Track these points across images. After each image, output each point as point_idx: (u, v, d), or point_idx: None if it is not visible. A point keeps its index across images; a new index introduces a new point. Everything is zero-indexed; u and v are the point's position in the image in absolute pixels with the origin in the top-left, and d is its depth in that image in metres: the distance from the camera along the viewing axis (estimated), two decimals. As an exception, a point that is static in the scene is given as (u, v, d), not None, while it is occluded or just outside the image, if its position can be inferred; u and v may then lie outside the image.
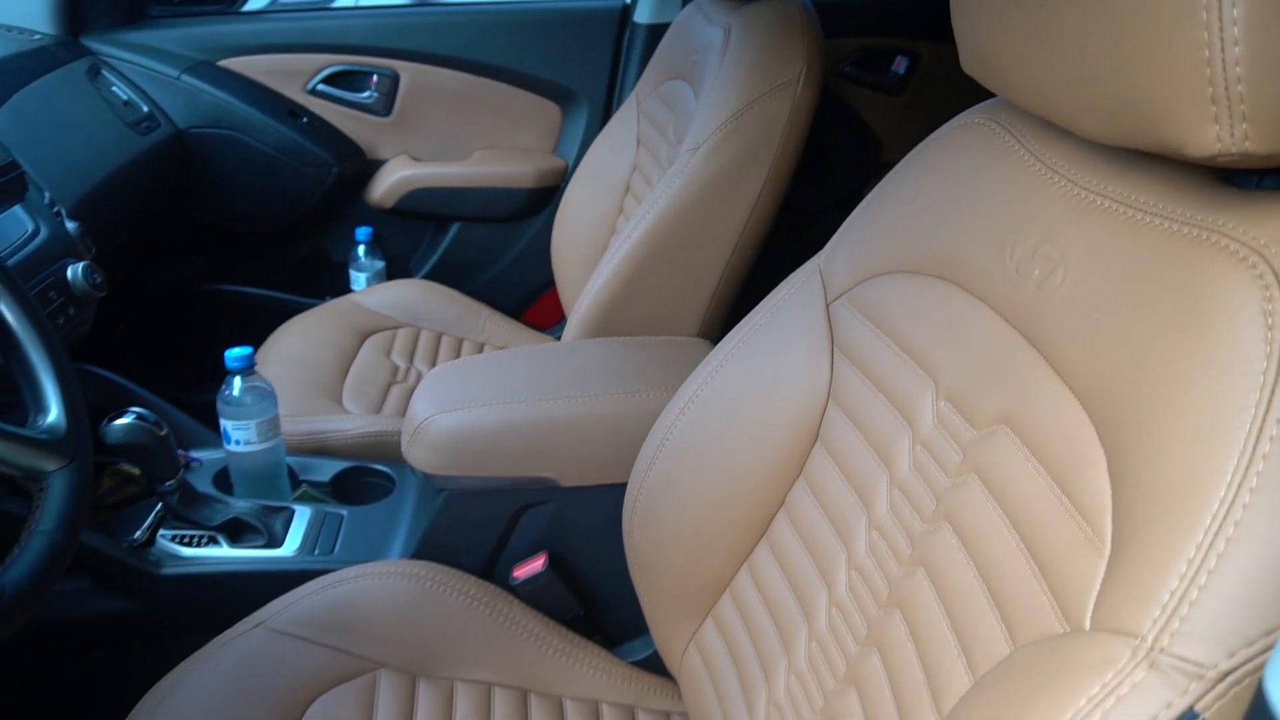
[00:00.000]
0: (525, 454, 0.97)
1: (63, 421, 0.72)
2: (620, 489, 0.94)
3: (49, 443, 0.70)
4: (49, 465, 0.69)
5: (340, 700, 0.86)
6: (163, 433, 0.96)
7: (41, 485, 0.69)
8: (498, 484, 0.98)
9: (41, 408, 0.73)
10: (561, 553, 1.01)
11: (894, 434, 0.68)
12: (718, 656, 0.85)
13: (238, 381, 1.09)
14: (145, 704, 0.81)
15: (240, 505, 1.04)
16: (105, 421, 0.93)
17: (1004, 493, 0.56)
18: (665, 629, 0.91)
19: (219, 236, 1.81)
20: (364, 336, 1.54)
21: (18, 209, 1.09)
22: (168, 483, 0.99)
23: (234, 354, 1.09)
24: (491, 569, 1.02)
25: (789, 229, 1.41)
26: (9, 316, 0.74)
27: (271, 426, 1.11)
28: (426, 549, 1.01)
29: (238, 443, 1.10)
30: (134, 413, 0.94)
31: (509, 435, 0.98)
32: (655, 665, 1.00)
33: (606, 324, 1.26)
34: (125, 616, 0.98)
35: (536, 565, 0.99)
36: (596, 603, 1.03)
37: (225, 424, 1.09)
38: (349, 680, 0.88)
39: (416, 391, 1.03)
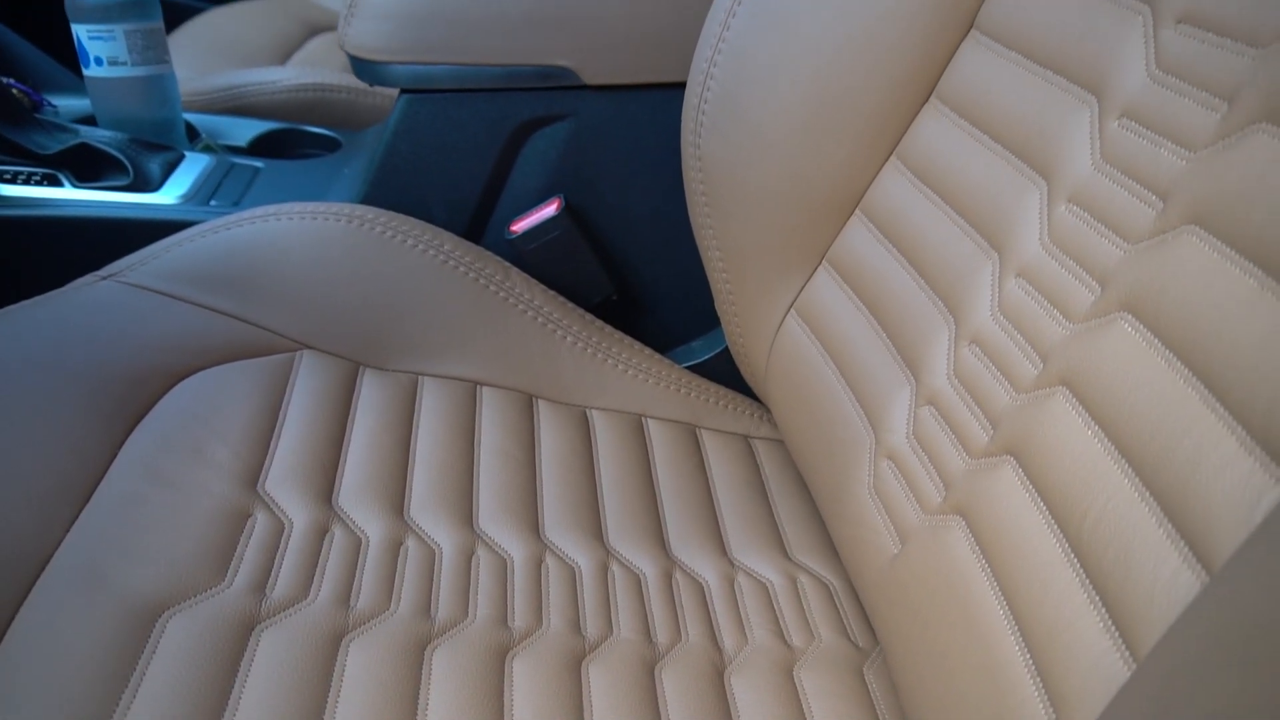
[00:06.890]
0: (530, 23, 0.61)
1: None
2: (673, 92, 0.60)
3: None
4: None
5: (228, 380, 0.53)
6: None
7: None
8: (487, 78, 0.62)
9: None
10: (583, 204, 0.67)
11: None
12: (807, 362, 0.52)
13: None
14: None
15: (96, 132, 0.69)
16: None
17: None
18: (748, 309, 0.58)
19: None
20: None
21: None
22: (-32, 80, 0.63)
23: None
24: (480, 228, 0.67)
25: None
26: None
27: (151, 41, 0.74)
28: (379, 193, 0.66)
29: (99, 61, 0.73)
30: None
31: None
32: (721, 373, 0.67)
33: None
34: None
35: (547, 210, 0.64)
36: (635, 282, 0.69)
37: (78, 31, 0.72)
38: (250, 359, 0.55)
39: None
